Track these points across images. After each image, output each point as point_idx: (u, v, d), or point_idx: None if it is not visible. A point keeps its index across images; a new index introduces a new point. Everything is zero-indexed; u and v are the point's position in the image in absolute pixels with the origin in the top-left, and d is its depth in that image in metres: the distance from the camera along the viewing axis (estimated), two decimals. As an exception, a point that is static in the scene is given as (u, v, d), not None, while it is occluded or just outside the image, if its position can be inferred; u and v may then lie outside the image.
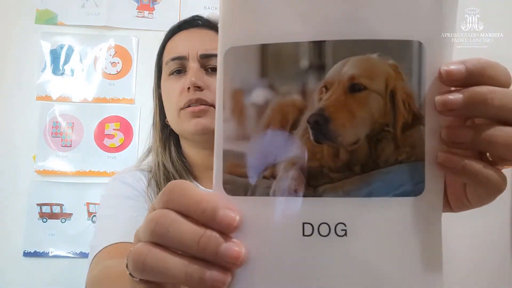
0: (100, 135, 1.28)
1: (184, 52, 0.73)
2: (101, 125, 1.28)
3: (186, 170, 0.77)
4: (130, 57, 1.31)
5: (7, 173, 1.25)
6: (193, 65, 0.72)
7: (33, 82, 1.29)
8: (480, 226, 1.24)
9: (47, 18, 1.31)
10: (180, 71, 0.74)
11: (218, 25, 0.30)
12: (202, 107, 0.70)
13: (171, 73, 0.74)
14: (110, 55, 1.31)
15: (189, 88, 0.70)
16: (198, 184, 0.77)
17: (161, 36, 1.28)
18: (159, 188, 0.73)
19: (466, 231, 1.23)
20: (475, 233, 1.23)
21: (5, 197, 1.24)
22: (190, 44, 0.74)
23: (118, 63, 1.31)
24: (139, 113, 1.29)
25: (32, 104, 1.27)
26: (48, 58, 1.30)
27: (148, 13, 1.32)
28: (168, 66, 0.75)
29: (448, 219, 1.15)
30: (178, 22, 0.80)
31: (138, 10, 1.32)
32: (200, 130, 0.70)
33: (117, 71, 1.31)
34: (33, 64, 1.29)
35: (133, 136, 1.28)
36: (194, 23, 0.79)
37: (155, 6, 1.33)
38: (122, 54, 1.31)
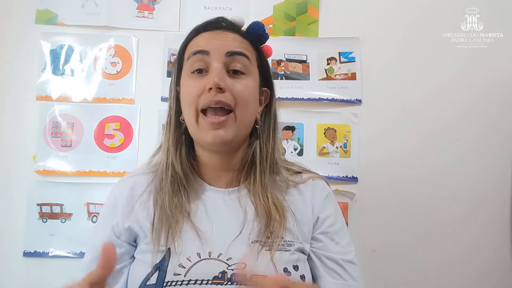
0: (100, 135, 1.28)
1: (207, 48, 0.72)
2: (101, 125, 1.28)
3: (194, 171, 0.78)
4: (130, 57, 1.31)
5: (7, 173, 1.25)
6: (216, 66, 0.71)
7: (33, 82, 1.29)
8: (480, 229, 1.24)
9: (47, 18, 1.31)
10: (202, 70, 0.73)
11: None
12: (222, 118, 0.69)
13: (193, 72, 0.73)
14: (110, 55, 1.31)
15: (210, 88, 0.69)
16: (206, 184, 0.77)
17: (161, 36, 1.30)
18: (161, 188, 0.74)
19: (467, 235, 1.24)
20: (475, 237, 1.23)
21: (5, 197, 1.24)
22: (214, 43, 0.73)
23: (118, 63, 1.31)
24: (139, 113, 1.29)
25: (32, 104, 1.27)
26: (48, 58, 1.30)
27: (148, 13, 1.32)
28: (190, 61, 0.74)
29: (449, 222, 1.16)
30: (203, 23, 0.79)
31: (138, 10, 1.32)
32: (218, 143, 0.70)
33: (117, 71, 1.31)
34: (33, 64, 1.29)
35: (133, 136, 1.28)
36: (218, 24, 0.78)
37: (155, 6, 1.33)
38: (122, 54, 1.31)
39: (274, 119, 0.81)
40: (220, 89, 0.69)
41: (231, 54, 0.72)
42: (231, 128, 0.70)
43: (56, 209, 1.24)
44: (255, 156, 0.77)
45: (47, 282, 1.20)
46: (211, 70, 0.71)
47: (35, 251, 1.22)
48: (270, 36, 0.83)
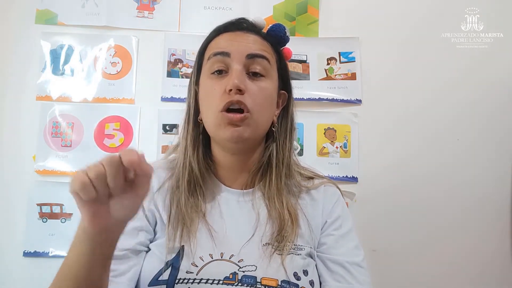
0: (100, 135, 1.28)
1: (227, 50, 0.73)
2: (101, 125, 1.28)
3: (210, 171, 0.78)
4: (130, 57, 1.31)
5: (7, 173, 1.25)
6: (236, 67, 0.71)
7: (33, 82, 1.29)
8: (480, 229, 1.24)
9: (47, 18, 1.31)
10: (222, 71, 0.73)
11: None
12: (242, 115, 0.69)
13: (213, 73, 0.74)
14: (110, 55, 1.31)
15: (230, 90, 0.69)
16: (222, 184, 0.78)
17: (161, 36, 1.30)
18: (177, 187, 0.74)
19: (467, 234, 1.24)
20: (475, 237, 1.23)
21: (5, 197, 1.25)
22: (234, 44, 0.73)
23: (118, 63, 1.31)
24: (139, 113, 1.29)
25: (32, 104, 1.27)
26: (48, 58, 1.30)
27: (148, 13, 1.32)
28: (210, 62, 0.74)
29: (449, 222, 1.16)
30: (224, 23, 0.79)
31: (138, 10, 1.32)
32: (235, 139, 0.70)
33: (117, 71, 1.31)
34: (33, 64, 1.29)
35: (133, 136, 1.28)
36: (239, 26, 0.78)
37: (155, 6, 1.33)
38: (122, 54, 1.31)
39: (291, 122, 0.82)
40: (240, 91, 0.70)
41: (252, 56, 0.72)
42: (248, 127, 0.71)
43: (56, 209, 1.24)
44: (271, 158, 0.77)
45: (47, 282, 1.18)
46: (231, 72, 0.72)
47: (35, 251, 1.22)
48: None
